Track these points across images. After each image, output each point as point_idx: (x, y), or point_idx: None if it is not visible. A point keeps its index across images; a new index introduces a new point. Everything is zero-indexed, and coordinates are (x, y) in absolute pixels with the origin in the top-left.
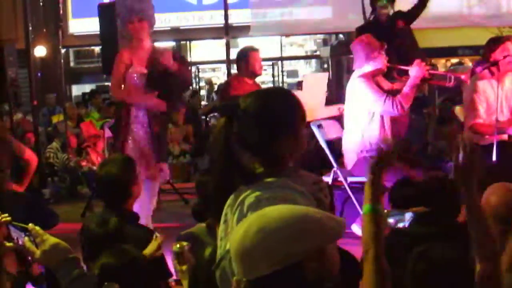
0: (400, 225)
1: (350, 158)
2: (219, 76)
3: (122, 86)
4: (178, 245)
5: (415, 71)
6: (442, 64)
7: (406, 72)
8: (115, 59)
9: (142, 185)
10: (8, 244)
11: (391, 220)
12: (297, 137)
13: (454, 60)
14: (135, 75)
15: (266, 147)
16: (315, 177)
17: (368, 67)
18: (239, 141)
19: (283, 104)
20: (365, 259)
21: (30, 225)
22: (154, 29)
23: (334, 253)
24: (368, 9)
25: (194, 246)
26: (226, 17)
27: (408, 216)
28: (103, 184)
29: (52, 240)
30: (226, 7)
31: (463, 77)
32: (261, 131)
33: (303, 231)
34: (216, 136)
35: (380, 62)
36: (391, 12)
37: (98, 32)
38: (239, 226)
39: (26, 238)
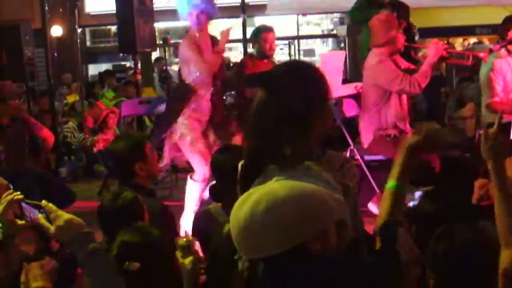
0: (411, 203)
1: (366, 137)
2: (236, 55)
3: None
4: (184, 239)
5: (433, 49)
6: (459, 44)
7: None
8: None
9: None
10: (20, 221)
11: None
12: (326, 110)
13: (472, 40)
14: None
15: (302, 119)
16: (342, 158)
17: (385, 45)
18: (276, 112)
19: (314, 76)
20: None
21: (43, 202)
22: (171, 8)
23: (333, 231)
24: None
25: (210, 225)
26: None
27: (418, 195)
28: (110, 158)
29: (65, 215)
30: None
31: (482, 55)
32: (297, 101)
33: (311, 213)
34: (255, 109)
35: (398, 41)
36: None
37: (114, 11)
38: (242, 201)
39: (40, 215)
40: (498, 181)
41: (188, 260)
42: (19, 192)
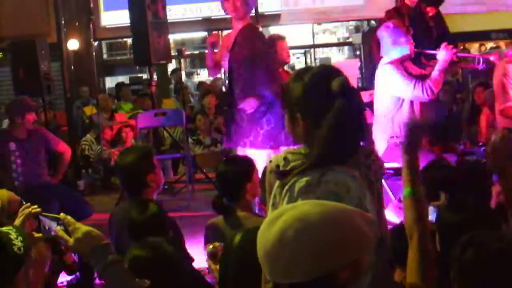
0: None
1: (380, 144)
2: None
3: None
4: (211, 246)
5: (443, 54)
6: (475, 49)
7: (434, 57)
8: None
9: None
10: (37, 235)
11: None
12: None
13: (489, 45)
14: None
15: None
16: (367, 149)
17: (395, 53)
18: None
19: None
20: (410, 244)
21: (62, 215)
22: (186, 19)
23: (368, 260)
24: None
25: (216, 237)
26: (256, 5)
27: (431, 210)
28: (119, 172)
29: (84, 228)
30: None
31: (492, 58)
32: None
33: (342, 242)
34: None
35: (407, 47)
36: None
37: (129, 24)
38: (271, 222)
39: (59, 227)
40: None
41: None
42: (36, 206)
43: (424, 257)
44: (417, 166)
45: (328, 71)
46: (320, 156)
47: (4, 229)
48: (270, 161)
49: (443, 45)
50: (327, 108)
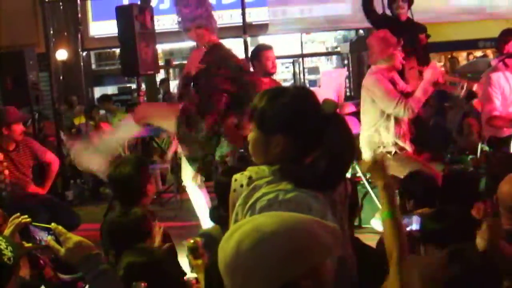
0: (408, 228)
1: (367, 154)
2: None
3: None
4: (192, 241)
5: (429, 74)
6: (463, 57)
7: (421, 73)
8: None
9: None
10: (27, 244)
11: None
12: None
13: (477, 53)
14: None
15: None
16: None
17: (383, 63)
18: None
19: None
20: (390, 261)
21: (53, 225)
22: (174, 30)
23: (329, 267)
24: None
25: (211, 246)
26: (243, 16)
27: (416, 219)
28: (117, 184)
29: (75, 238)
30: (243, 6)
31: (474, 88)
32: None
33: (299, 250)
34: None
35: (395, 59)
36: (408, 13)
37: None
38: (229, 236)
39: (50, 237)
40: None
41: (200, 261)
42: (26, 216)
43: (403, 277)
44: (392, 189)
45: (309, 93)
46: (300, 178)
47: None
48: (235, 180)
49: (432, 63)
50: (318, 130)
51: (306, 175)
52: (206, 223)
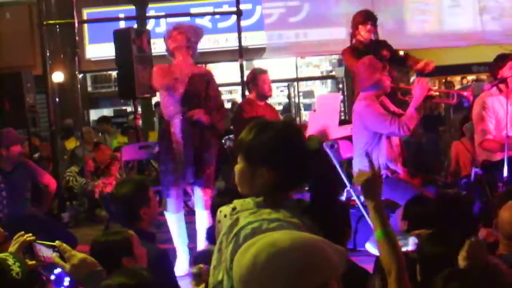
0: (404, 249)
1: None
2: (237, 98)
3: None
4: (197, 267)
5: (418, 90)
6: (457, 82)
7: (409, 92)
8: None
9: None
10: (31, 262)
11: None
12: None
13: (471, 77)
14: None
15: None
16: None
17: (372, 89)
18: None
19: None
20: (388, 279)
21: (57, 242)
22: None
23: (335, 285)
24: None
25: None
26: (239, 39)
27: (412, 240)
28: (115, 204)
29: (79, 255)
30: (239, 30)
31: (465, 93)
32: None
33: (312, 265)
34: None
35: (383, 83)
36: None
37: (114, 57)
38: (246, 250)
39: (54, 254)
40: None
41: (201, 287)
42: (30, 234)
43: None
44: (382, 208)
45: (295, 128)
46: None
47: (1, 255)
48: (220, 211)
49: (417, 79)
50: (302, 165)
51: (291, 204)
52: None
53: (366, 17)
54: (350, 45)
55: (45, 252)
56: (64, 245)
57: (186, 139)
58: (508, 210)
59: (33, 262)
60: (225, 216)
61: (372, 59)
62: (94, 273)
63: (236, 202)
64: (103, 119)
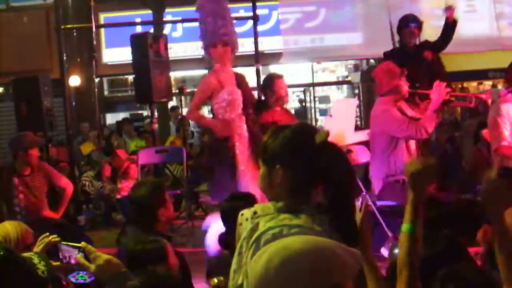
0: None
1: (377, 183)
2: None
3: (200, 111)
4: (216, 279)
5: (436, 94)
6: (474, 87)
7: (428, 97)
8: (202, 83)
9: None
10: (55, 263)
11: (396, 251)
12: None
13: (487, 83)
14: (225, 94)
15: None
16: None
17: (390, 94)
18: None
19: None
20: (398, 278)
21: (83, 243)
22: (187, 57)
23: (350, 286)
24: (397, 36)
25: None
26: (256, 45)
27: None
28: (131, 205)
29: (105, 256)
30: (256, 35)
31: (484, 96)
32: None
33: (325, 267)
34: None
35: (401, 88)
36: (417, 41)
37: (131, 61)
38: (259, 256)
39: (79, 255)
40: (496, 228)
41: None
42: (56, 235)
43: None
44: (421, 204)
45: (309, 126)
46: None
47: (27, 254)
48: (241, 214)
49: (435, 84)
50: (311, 161)
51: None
52: None
53: (410, 20)
54: (392, 49)
55: (70, 253)
56: (89, 246)
57: None
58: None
59: (57, 263)
60: (246, 219)
61: (391, 65)
62: (119, 274)
63: (257, 206)
64: (125, 120)
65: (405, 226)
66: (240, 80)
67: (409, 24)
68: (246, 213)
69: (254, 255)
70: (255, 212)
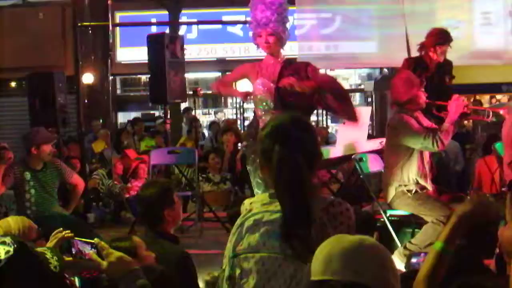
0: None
1: (389, 192)
2: None
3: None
4: (210, 275)
5: (454, 106)
6: (486, 100)
7: (445, 108)
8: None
9: None
10: (67, 258)
11: (413, 260)
12: None
13: (500, 97)
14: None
15: None
16: (328, 201)
17: (408, 103)
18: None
19: None
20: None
21: (96, 239)
22: (201, 59)
23: None
24: (412, 46)
25: None
26: None
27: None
28: (139, 204)
29: (117, 253)
30: None
31: (501, 112)
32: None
33: (392, 265)
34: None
35: (419, 98)
36: (442, 58)
37: (145, 61)
38: (339, 237)
39: (92, 251)
40: None
41: None
42: (69, 231)
43: None
44: (460, 229)
45: (287, 120)
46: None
47: (40, 249)
48: (243, 204)
49: (454, 97)
50: (268, 155)
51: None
52: None
53: (446, 39)
54: (416, 57)
55: (83, 248)
56: (102, 242)
57: None
58: (509, 229)
59: (69, 258)
60: (246, 209)
61: (411, 74)
62: (131, 271)
63: (257, 196)
64: (138, 119)
65: (437, 243)
66: (295, 69)
67: (446, 43)
68: (246, 202)
69: (237, 242)
70: (252, 202)
